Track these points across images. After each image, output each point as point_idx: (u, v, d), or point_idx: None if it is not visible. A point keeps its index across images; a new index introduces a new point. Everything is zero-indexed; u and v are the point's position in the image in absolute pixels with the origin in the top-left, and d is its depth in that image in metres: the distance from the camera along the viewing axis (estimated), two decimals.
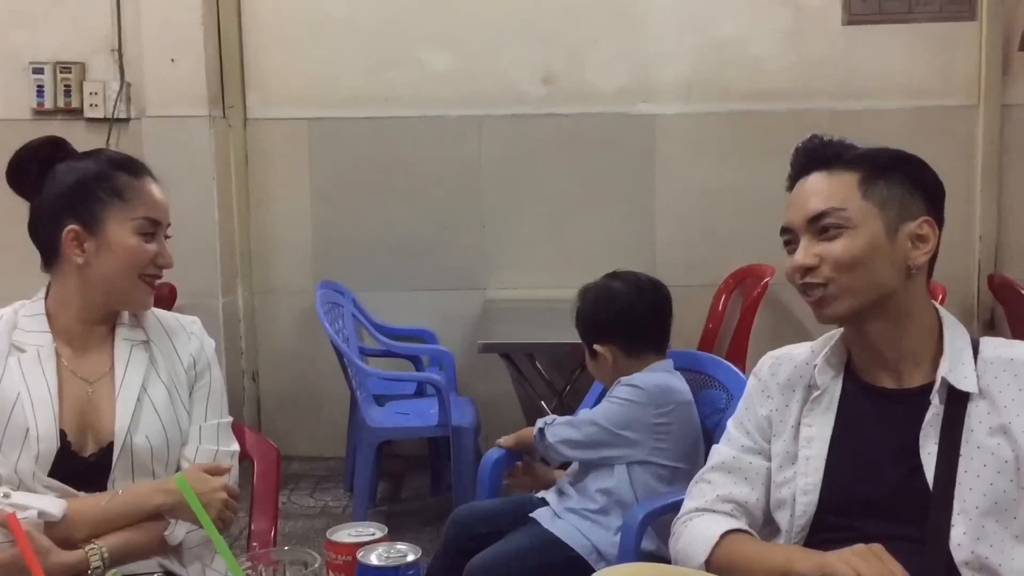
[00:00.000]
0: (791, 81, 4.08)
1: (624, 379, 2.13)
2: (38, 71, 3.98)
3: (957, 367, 1.30)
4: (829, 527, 1.33)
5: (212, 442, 1.62)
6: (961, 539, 1.25)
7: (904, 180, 1.34)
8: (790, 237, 1.38)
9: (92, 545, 1.42)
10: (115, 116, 3.99)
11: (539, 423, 2.18)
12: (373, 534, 1.15)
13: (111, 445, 1.53)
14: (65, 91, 3.99)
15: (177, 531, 1.50)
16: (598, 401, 2.22)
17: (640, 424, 2.07)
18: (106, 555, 1.42)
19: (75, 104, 4.00)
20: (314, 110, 4.14)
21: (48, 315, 1.57)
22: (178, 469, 1.58)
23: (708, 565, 1.34)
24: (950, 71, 4.06)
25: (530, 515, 2.12)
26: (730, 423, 1.50)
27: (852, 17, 4.06)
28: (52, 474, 1.49)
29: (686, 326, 3.63)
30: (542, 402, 3.47)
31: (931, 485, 1.27)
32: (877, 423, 1.35)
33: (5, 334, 1.55)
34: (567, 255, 4.10)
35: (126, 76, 4.00)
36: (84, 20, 4.01)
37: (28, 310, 1.58)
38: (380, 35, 4.11)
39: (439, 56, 4.12)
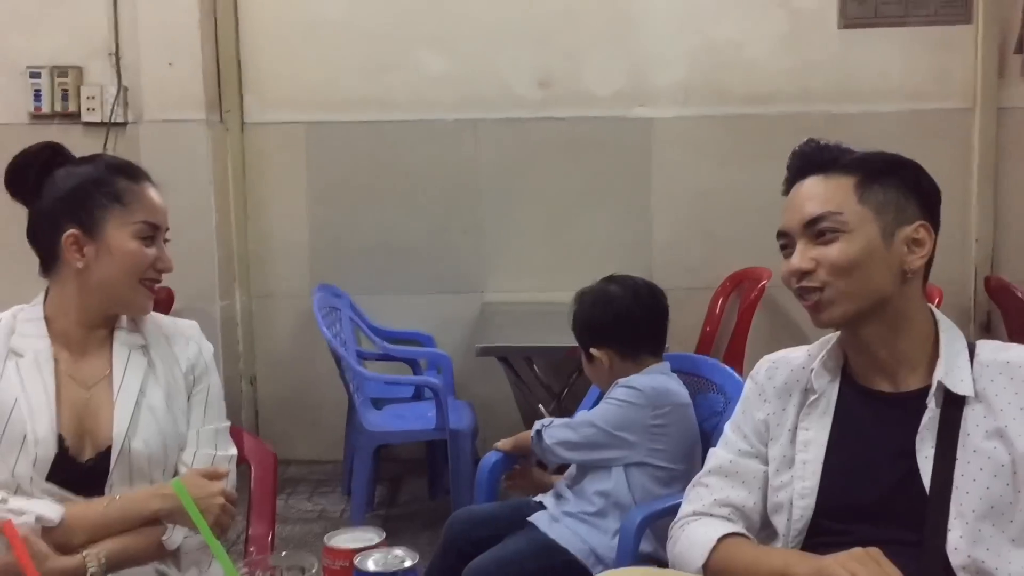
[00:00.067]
0: (787, 84, 4.09)
1: (622, 381, 2.13)
2: (35, 75, 3.98)
3: (953, 370, 1.31)
4: (826, 531, 1.33)
5: (210, 447, 1.62)
6: (958, 543, 1.25)
7: (900, 184, 1.35)
8: (786, 241, 1.38)
9: (89, 550, 1.42)
10: (112, 120, 3.99)
11: (536, 425, 2.18)
12: (370, 539, 1.15)
13: (109, 450, 1.52)
14: (62, 95, 3.99)
15: (175, 536, 1.50)
16: (596, 404, 2.22)
17: (637, 425, 2.07)
18: (103, 560, 1.42)
19: (72, 108, 4.00)
20: (311, 114, 4.15)
21: (46, 320, 1.57)
22: (176, 474, 1.58)
23: (706, 569, 1.34)
24: (946, 74, 4.07)
25: (528, 519, 2.12)
26: (727, 427, 1.50)
27: (848, 20, 4.07)
28: (50, 479, 1.49)
29: (683, 329, 3.63)
30: (540, 405, 3.45)
31: (928, 489, 1.28)
32: (874, 427, 1.35)
33: (3, 339, 1.55)
34: (564, 258, 4.11)
35: (123, 80, 4.00)
36: (81, 24, 4.00)
37: (26, 314, 1.58)
38: (377, 39, 4.12)
39: (436, 60, 4.12)
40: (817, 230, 1.33)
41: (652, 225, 4.17)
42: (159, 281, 1.61)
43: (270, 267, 4.22)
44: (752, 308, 3.85)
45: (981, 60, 4.02)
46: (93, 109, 3.99)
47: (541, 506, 2.16)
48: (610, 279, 2.25)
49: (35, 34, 4.00)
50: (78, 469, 1.51)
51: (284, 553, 1.16)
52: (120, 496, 1.49)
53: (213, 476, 1.52)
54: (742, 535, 1.38)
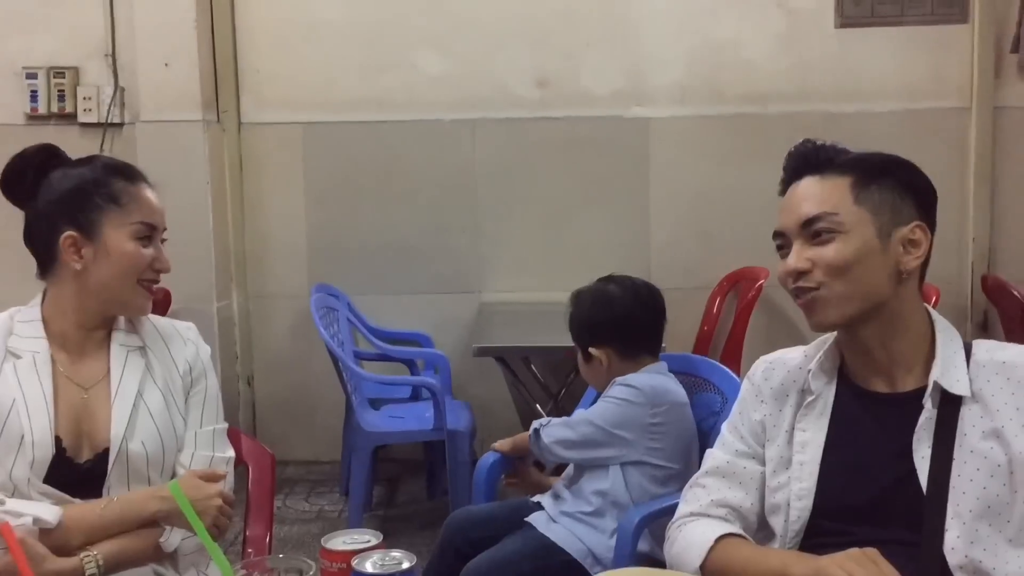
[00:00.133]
0: (784, 84, 4.09)
1: (620, 379, 2.14)
2: (32, 76, 3.98)
3: (949, 371, 1.31)
4: (824, 532, 1.34)
5: (208, 448, 1.62)
6: (955, 543, 1.25)
7: (896, 185, 1.35)
8: (783, 241, 1.38)
9: (87, 552, 1.42)
10: (109, 121, 3.99)
11: (535, 424, 2.19)
12: (368, 541, 1.15)
13: (107, 451, 1.52)
14: (59, 96, 3.99)
15: (172, 538, 1.50)
16: (594, 403, 2.22)
17: (635, 423, 2.07)
18: (101, 562, 1.42)
19: (69, 109, 4.00)
20: (308, 114, 4.14)
21: (44, 321, 1.57)
22: (174, 475, 1.58)
23: (703, 570, 1.35)
24: (942, 74, 4.07)
25: (525, 519, 2.12)
26: (724, 427, 1.51)
27: (845, 20, 4.07)
28: (47, 481, 1.49)
29: (681, 329, 3.64)
30: (537, 405, 3.47)
31: (925, 489, 1.28)
32: (871, 428, 1.35)
33: (0, 340, 1.54)
34: (562, 258, 4.11)
35: (120, 81, 4.00)
36: (77, 25, 4.00)
37: (24, 316, 1.58)
38: (374, 39, 4.11)
39: (433, 60, 4.12)
40: (813, 230, 1.33)
41: (650, 225, 4.17)
42: (157, 281, 1.61)
43: (267, 267, 4.22)
44: (749, 308, 3.85)
45: (977, 59, 4.03)
46: (89, 110, 4.00)
47: (539, 506, 2.16)
48: (608, 279, 2.25)
49: (31, 35, 4.00)
50: (76, 471, 1.51)
51: (282, 555, 1.16)
52: (118, 498, 1.49)
53: (211, 478, 1.52)
54: (739, 536, 1.38)
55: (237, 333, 4.17)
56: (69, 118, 4.01)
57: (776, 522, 1.40)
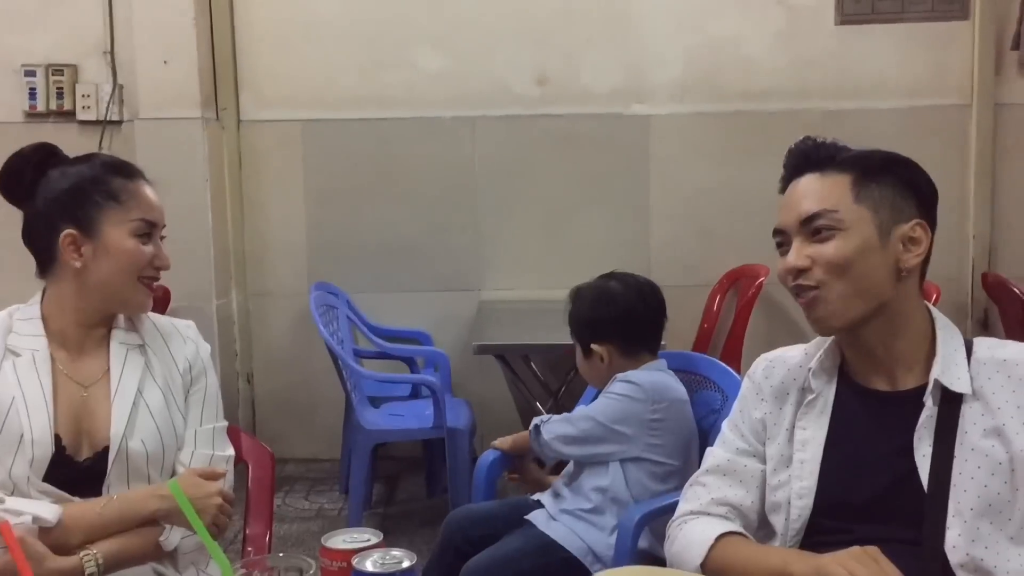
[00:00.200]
0: (784, 81, 4.09)
1: (620, 376, 2.14)
2: (30, 73, 3.97)
3: (950, 368, 1.31)
4: (824, 530, 1.33)
5: (208, 447, 1.62)
6: (956, 541, 1.25)
7: (896, 182, 1.34)
8: (783, 239, 1.38)
9: (87, 551, 1.42)
10: (108, 118, 3.98)
11: (535, 421, 2.19)
12: (368, 540, 1.15)
13: (106, 450, 1.52)
14: (57, 93, 3.98)
15: (172, 537, 1.50)
16: (594, 400, 2.22)
17: (635, 419, 2.08)
18: (101, 561, 1.42)
19: (67, 107, 3.99)
20: (308, 112, 4.14)
21: (43, 319, 1.57)
22: (173, 474, 1.58)
23: (704, 568, 1.35)
24: (943, 71, 4.07)
25: (525, 517, 2.12)
26: (725, 425, 1.51)
27: (845, 17, 4.07)
28: (47, 479, 1.48)
29: (681, 327, 3.63)
30: (537, 403, 3.47)
31: (926, 487, 1.28)
32: (871, 426, 1.35)
33: (0, 338, 1.54)
34: (562, 256, 4.10)
35: (119, 78, 3.99)
36: (76, 22, 3.99)
37: (23, 314, 1.58)
38: (373, 37, 4.11)
39: (433, 57, 4.12)
40: (813, 228, 1.33)
41: (650, 222, 4.17)
42: (157, 279, 1.61)
43: (267, 265, 4.22)
44: (749, 306, 3.85)
45: (978, 56, 4.02)
46: (88, 107, 3.99)
47: (539, 504, 2.16)
48: (610, 276, 2.26)
49: (30, 32, 3.99)
50: (75, 469, 1.51)
51: (282, 554, 1.16)
52: (117, 496, 1.49)
53: (210, 476, 1.52)
54: (740, 534, 1.38)
55: (236, 331, 4.17)
56: (68, 116, 4.00)
57: (777, 520, 1.40)
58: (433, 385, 3.34)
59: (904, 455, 1.30)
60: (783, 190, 1.41)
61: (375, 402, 3.65)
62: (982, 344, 1.35)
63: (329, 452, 4.06)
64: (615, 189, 4.16)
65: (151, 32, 3.85)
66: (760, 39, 4.08)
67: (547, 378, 3.68)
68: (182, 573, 1.54)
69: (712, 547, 1.35)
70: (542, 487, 2.25)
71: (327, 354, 3.48)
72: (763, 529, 1.43)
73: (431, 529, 3.13)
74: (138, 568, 1.50)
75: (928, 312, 1.38)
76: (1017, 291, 3.62)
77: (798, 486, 1.36)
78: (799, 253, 1.34)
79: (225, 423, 1.68)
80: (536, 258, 4.17)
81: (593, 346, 2.19)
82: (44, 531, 1.39)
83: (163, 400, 1.58)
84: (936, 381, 1.30)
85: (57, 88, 3.98)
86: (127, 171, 1.59)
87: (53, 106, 3.98)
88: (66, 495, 1.48)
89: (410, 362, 3.96)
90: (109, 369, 1.57)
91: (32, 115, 4.00)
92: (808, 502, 1.35)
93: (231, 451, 1.66)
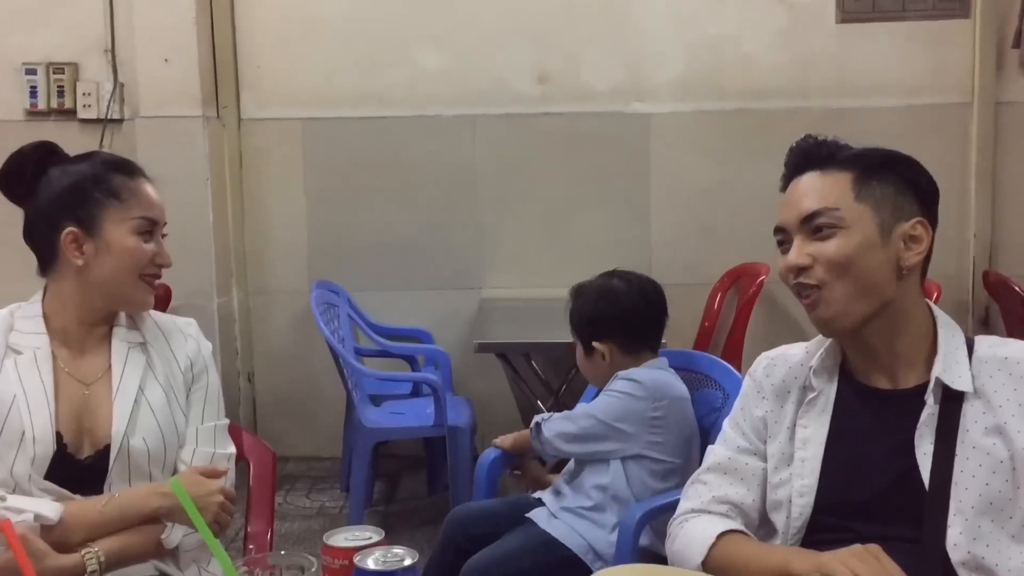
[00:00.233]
0: (785, 79, 4.09)
1: (622, 373, 2.14)
2: (31, 72, 3.97)
3: (951, 367, 1.31)
4: (825, 528, 1.33)
5: (209, 444, 1.62)
6: (958, 539, 1.25)
7: (897, 181, 1.34)
8: (784, 237, 1.38)
9: (88, 549, 1.42)
10: (108, 117, 3.98)
11: (536, 419, 2.19)
12: (370, 538, 1.15)
13: (108, 448, 1.52)
14: (58, 92, 3.98)
15: (174, 535, 1.50)
16: (595, 399, 2.22)
17: (636, 417, 2.08)
18: (102, 559, 1.42)
19: (68, 105, 3.99)
20: (308, 110, 4.14)
21: (45, 317, 1.57)
22: (175, 472, 1.58)
23: (705, 566, 1.34)
24: (944, 69, 4.07)
25: (526, 515, 2.12)
26: (726, 423, 1.50)
27: (846, 15, 4.06)
28: (48, 477, 1.48)
29: (682, 325, 3.63)
30: (538, 401, 3.47)
31: (927, 485, 1.28)
32: (872, 424, 1.35)
33: (1, 336, 1.55)
34: (563, 254, 4.10)
35: (119, 76, 3.99)
36: (77, 21, 3.99)
37: (24, 312, 1.58)
38: (374, 35, 4.11)
39: (433, 56, 4.11)
40: (814, 226, 1.33)
41: (650, 220, 4.16)
42: (159, 276, 1.61)
43: (267, 264, 4.22)
44: (750, 304, 3.85)
45: (979, 54, 4.02)
46: (89, 106, 3.99)
47: (540, 502, 2.16)
48: (612, 274, 2.26)
49: (31, 31, 3.99)
50: (77, 467, 1.51)
51: (284, 552, 1.16)
52: (119, 494, 1.49)
53: (212, 474, 1.52)
54: (741, 532, 1.38)
55: (237, 329, 4.17)
56: (69, 114, 4.00)
57: (778, 519, 1.40)
58: (434, 383, 3.34)
59: (905, 453, 1.30)
60: (784, 188, 1.41)
61: (376, 400, 3.65)
62: (983, 342, 1.35)
63: (330, 450, 4.07)
64: (616, 187, 4.16)
65: (152, 30, 3.84)
66: (761, 37, 4.08)
67: (548, 376, 3.68)
68: (184, 571, 1.54)
69: (713, 545, 1.35)
70: (543, 485, 2.25)
71: (328, 352, 3.48)
72: (764, 527, 1.43)
73: (432, 527, 3.13)
74: (140, 566, 1.50)
75: (929, 310, 1.37)
76: (1018, 289, 3.61)
77: (799, 484, 1.36)
78: (800, 251, 1.34)
79: (226, 421, 1.68)
80: (537, 256, 4.17)
81: (595, 344, 2.19)
82: (46, 529, 1.39)
83: (165, 398, 1.59)
84: (937, 379, 1.30)
85: (58, 86, 3.98)
86: (128, 169, 1.59)
87: (54, 104, 3.98)
88: (67, 493, 1.48)
89: (411, 360, 3.96)
90: (111, 367, 1.57)
91: (33, 113, 4.00)
92: (809, 500, 1.35)
93: (232, 449, 1.66)
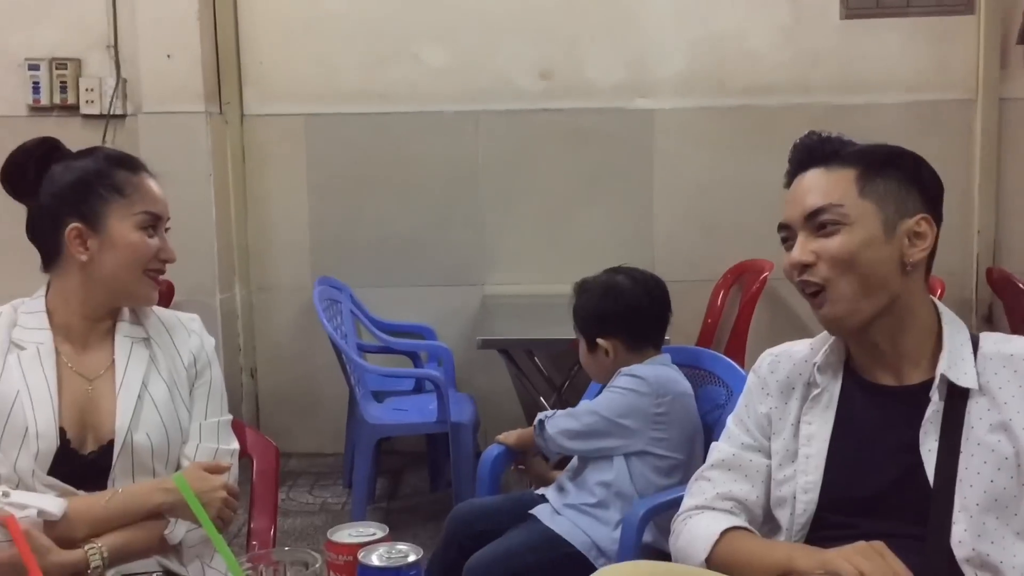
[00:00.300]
0: (789, 75, 4.08)
1: (625, 370, 2.14)
2: (34, 67, 3.97)
3: (956, 363, 1.30)
4: (830, 525, 1.33)
5: (212, 440, 1.62)
6: (962, 536, 1.25)
7: (901, 177, 1.34)
8: (788, 234, 1.38)
9: (92, 544, 1.42)
10: (111, 112, 3.98)
11: (539, 416, 2.19)
12: (374, 534, 1.15)
13: (111, 443, 1.52)
14: (61, 87, 3.98)
15: (177, 530, 1.50)
16: (598, 395, 2.22)
17: (639, 413, 2.08)
18: (106, 554, 1.42)
19: (71, 101, 3.99)
20: (311, 106, 4.13)
21: (48, 312, 1.57)
22: (178, 467, 1.58)
23: (709, 563, 1.34)
24: (948, 65, 4.06)
25: (530, 512, 2.12)
26: (730, 420, 1.50)
27: (850, 11, 4.06)
28: (52, 472, 1.49)
29: (685, 321, 3.62)
30: (541, 398, 3.47)
31: (932, 482, 1.27)
32: (877, 421, 1.35)
33: (5, 331, 1.55)
34: (565, 250, 4.10)
35: (122, 72, 3.99)
36: (80, 16, 4.00)
37: (28, 307, 1.58)
38: (377, 31, 4.10)
39: (436, 52, 4.11)
40: (818, 222, 1.33)
41: (653, 217, 4.16)
42: (163, 271, 1.61)
43: (270, 260, 4.22)
44: (754, 300, 3.85)
45: (983, 51, 4.01)
46: (92, 101, 3.99)
47: (543, 499, 2.16)
48: (616, 270, 2.25)
49: (34, 26, 3.99)
50: (80, 462, 1.51)
51: (287, 548, 1.16)
52: (122, 490, 1.49)
53: (215, 470, 1.52)
54: (745, 528, 1.38)
55: (240, 325, 4.17)
56: (71, 110, 4.00)
57: (782, 515, 1.39)
58: (437, 379, 3.34)
59: (910, 450, 1.29)
60: (788, 185, 1.41)
61: (379, 396, 3.65)
62: (988, 339, 1.34)
63: (333, 446, 4.07)
64: (619, 183, 4.16)
65: (155, 26, 3.84)
66: (764, 33, 4.07)
67: (551, 372, 3.68)
68: (187, 566, 1.54)
69: (717, 542, 1.35)
70: (546, 481, 2.25)
71: (331, 349, 3.48)
72: (768, 524, 1.43)
73: (435, 523, 3.13)
74: (143, 561, 1.51)
75: (934, 307, 1.37)
76: (1022, 286, 3.61)
77: (803, 481, 1.36)
78: (804, 248, 1.34)
79: (230, 417, 1.68)
80: (540, 252, 4.17)
81: (599, 340, 2.19)
82: (49, 524, 1.39)
83: (168, 393, 1.59)
84: (942, 376, 1.30)
85: (61, 82, 3.98)
86: (131, 164, 1.59)
87: (57, 100, 3.98)
88: (71, 488, 1.49)
89: (414, 357, 3.96)
90: (114, 362, 1.57)
91: (36, 109, 4.00)
92: (813, 497, 1.35)
93: (236, 445, 1.66)
